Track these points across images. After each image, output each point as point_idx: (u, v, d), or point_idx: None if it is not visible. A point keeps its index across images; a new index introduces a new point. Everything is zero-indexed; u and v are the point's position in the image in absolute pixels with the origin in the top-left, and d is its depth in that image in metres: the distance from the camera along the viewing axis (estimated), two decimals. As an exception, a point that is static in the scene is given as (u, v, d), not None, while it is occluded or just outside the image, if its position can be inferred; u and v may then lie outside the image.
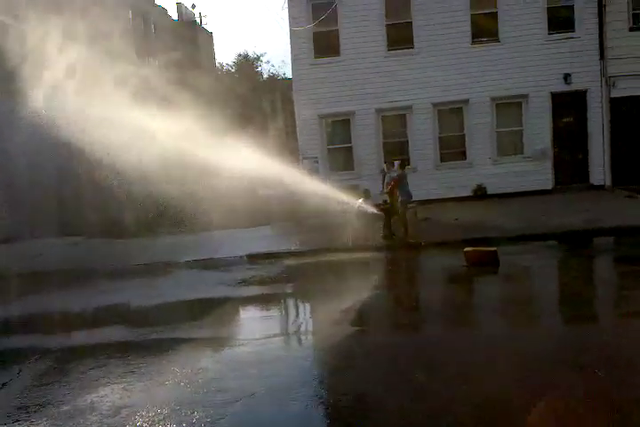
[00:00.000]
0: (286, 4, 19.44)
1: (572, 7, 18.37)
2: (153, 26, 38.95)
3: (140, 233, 18.19)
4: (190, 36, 41.53)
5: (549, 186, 18.32)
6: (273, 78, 41.25)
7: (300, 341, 8.64)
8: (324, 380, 6.82)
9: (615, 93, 17.99)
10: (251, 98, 33.34)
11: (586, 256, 12.58)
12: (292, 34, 19.21)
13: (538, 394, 5.66)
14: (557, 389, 5.86)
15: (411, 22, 18.84)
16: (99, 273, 13.84)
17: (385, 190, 14.65)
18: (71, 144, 17.48)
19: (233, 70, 41.08)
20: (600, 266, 11.84)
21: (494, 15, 18.60)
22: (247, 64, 42.17)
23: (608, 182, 18.24)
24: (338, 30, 19.05)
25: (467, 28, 18.58)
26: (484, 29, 18.64)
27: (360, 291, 10.74)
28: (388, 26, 18.89)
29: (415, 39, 18.76)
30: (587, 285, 10.47)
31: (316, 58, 19.12)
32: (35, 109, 15.25)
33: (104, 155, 16.51)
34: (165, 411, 5.97)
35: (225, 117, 18.88)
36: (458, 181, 17.89)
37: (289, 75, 47.51)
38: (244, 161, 14.59)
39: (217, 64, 42.82)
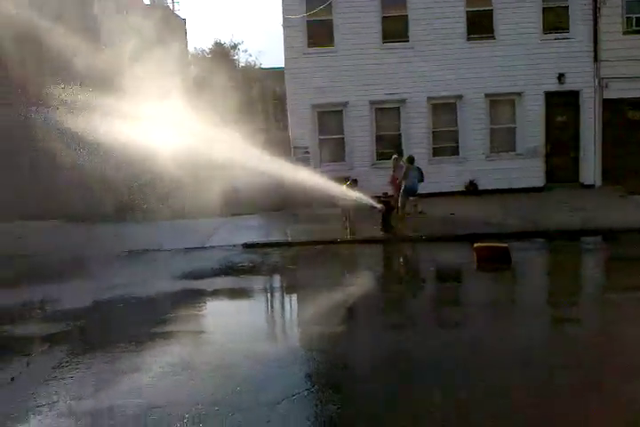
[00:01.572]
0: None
1: (567, 8, 18.43)
2: (125, 10, 37.96)
3: (120, 219, 17.57)
4: (162, 21, 40.56)
5: (541, 184, 18.39)
6: (249, 67, 40.66)
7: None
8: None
9: (608, 95, 18.14)
10: (227, 85, 32.72)
11: (594, 254, 12.66)
12: (286, 22, 18.79)
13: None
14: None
15: (406, 15, 18.61)
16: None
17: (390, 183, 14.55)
18: (47, 127, 16.87)
19: (209, 57, 40.30)
20: (611, 263, 11.84)
21: (490, 12, 18.52)
22: (222, 51, 41.48)
23: (598, 182, 18.41)
24: (332, 20, 18.68)
25: (462, 24, 18.45)
26: (480, 26, 18.56)
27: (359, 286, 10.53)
28: (383, 18, 18.61)
29: (410, 33, 18.55)
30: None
31: (309, 47, 18.73)
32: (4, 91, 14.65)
33: (80, 139, 15.95)
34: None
35: (201, 103, 18.41)
36: (450, 175, 17.78)
37: (265, 64, 46.93)
38: (225, 148, 14.22)
39: (194, 49, 42.08)
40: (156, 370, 6.87)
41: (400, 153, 16.91)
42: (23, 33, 16.18)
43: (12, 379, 6.71)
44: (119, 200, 17.56)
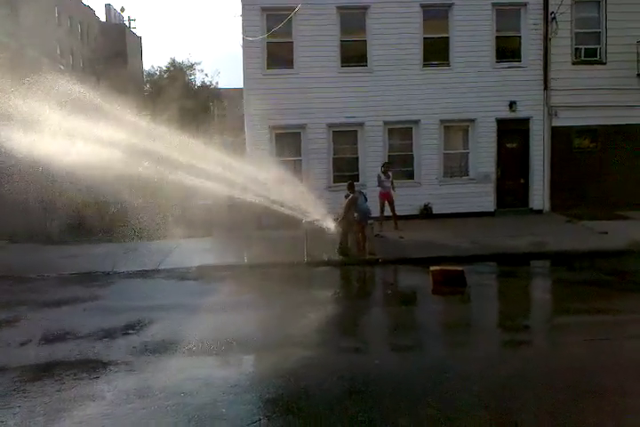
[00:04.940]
0: (240, 13, 19.14)
1: (519, 37, 19.10)
2: (79, 25, 37.54)
3: (70, 240, 17.16)
4: (117, 39, 40.35)
5: (492, 208, 18.85)
6: (205, 87, 40.59)
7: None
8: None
9: (556, 123, 18.80)
10: (182, 104, 32.59)
11: (545, 277, 13.03)
12: (245, 43, 18.87)
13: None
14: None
15: (365, 41, 18.96)
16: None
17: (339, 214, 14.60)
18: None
19: (165, 75, 40.10)
20: (560, 286, 12.12)
21: (446, 40, 19.04)
22: (178, 70, 41.32)
23: (547, 208, 18.98)
24: (292, 42, 18.88)
25: (419, 50, 18.89)
26: (436, 53, 19.03)
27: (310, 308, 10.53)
28: (342, 42, 18.91)
29: (369, 58, 18.89)
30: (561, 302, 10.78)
31: (268, 69, 18.85)
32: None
33: (26, 157, 15.57)
34: None
35: (154, 120, 18.24)
36: (405, 199, 17.96)
37: (222, 85, 46.87)
38: (178, 167, 14.11)
39: (151, 67, 41.81)
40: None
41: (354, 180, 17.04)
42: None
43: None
44: (67, 221, 17.12)
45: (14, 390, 7.09)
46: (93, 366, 7.76)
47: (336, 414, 6.23)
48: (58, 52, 23.43)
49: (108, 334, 9.14)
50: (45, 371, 7.66)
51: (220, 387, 7.01)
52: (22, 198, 16.49)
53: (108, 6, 39.05)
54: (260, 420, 6.18)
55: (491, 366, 7.42)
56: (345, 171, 18.58)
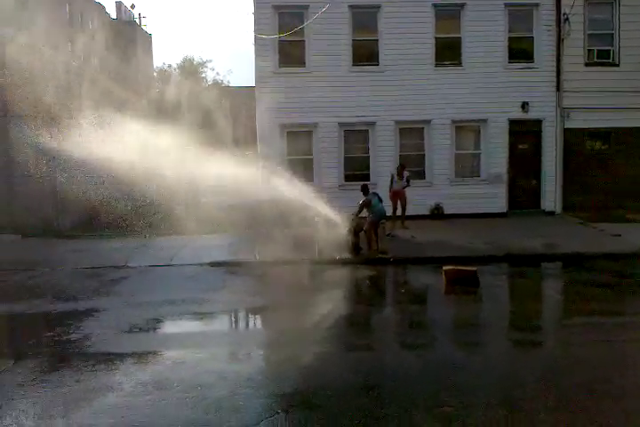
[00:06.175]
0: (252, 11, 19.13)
1: (531, 39, 19.02)
2: (90, 22, 37.60)
3: (82, 235, 17.17)
4: (128, 36, 40.40)
5: (504, 209, 18.74)
6: (216, 85, 40.64)
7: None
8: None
9: (569, 124, 18.70)
10: (194, 102, 32.62)
11: (558, 279, 12.94)
12: (257, 41, 18.84)
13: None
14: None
15: (377, 40, 18.92)
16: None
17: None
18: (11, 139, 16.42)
19: (176, 73, 40.20)
20: (573, 288, 12.01)
21: (458, 40, 18.97)
22: (190, 68, 41.42)
23: (559, 209, 18.87)
24: (304, 41, 18.84)
25: (431, 50, 18.83)
26: (448, 53, 18.97)
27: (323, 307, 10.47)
28: (354, 41, 18.88)
29: (380, 57, 18.83)
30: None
31: (280, 67, 18.82)
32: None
33: (43, 151, 15.60)
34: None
35: (167, 118, 18.24)
36: (416, 199, 17.88)
37: (234, 83, 46.97)
38: (190, 163, 14.09)
39: (163, 64, 41.98)
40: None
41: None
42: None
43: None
44: (82, 215, 17.14)
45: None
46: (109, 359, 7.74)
47: (352, 409, 6.16)
48: (69, 49, 23.41)
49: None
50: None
51: (233, 380, 6.96)
52: (37, 193, 16.53)
53: (118, 3, 39.13)
54: (277, 413, 6.13)
55: (505, 365, 7.38)
56: (356, 170, 18.54)
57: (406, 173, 16.92)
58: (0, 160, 16.93)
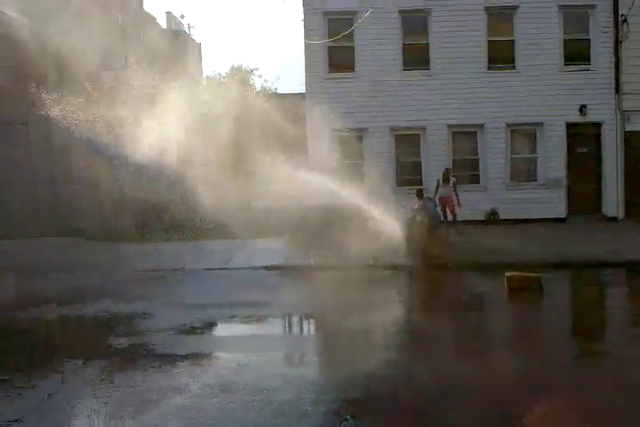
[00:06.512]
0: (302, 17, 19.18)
1: (588, 40, 18.55)
2: (141, 33, 38.38)
3: (139, 238, 17.36)
4: (178, 46, 41.03)
5: (563, 214, 18.27)
6: (265, 92, 40.83)
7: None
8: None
9: (629, 127, 18.17)
10: (246, 109, 32.81)
11: (623, 286, 12.41)
12: (307, 47, 18.86)
13: None
14: None
15: (427, 44, 18.73)
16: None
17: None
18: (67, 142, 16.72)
19: (224, 81, 40.57)
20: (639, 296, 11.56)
21: (511, 43, 18.65)
22: (239, 76, 41.74)
23: (621, 215, 18.28)
24: (353, 47, 18.79)
25: (483, 53, 18.57)
26: (501, 56, 18.68)
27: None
28: (404, 45, 18.75)
29: (431, 61, 18.66)
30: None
31: (330, 72, 18.79)
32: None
33: (102, 155, 15.83)
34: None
35: (220, 125, 18.32)
36: (470, 204, 17.52)
37: (281, 90, 47.28)
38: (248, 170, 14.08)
39: (212, 73, 42.50)
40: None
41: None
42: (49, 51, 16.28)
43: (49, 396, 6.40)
44: (139, 219, 17.32)
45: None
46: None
47: (421, 418, 5.92)
48: (123, 61, 23.89)
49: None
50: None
51: (298, 385, 6.79)
52: (99, 197, 16.81)
53: (168, 14, 39.92)
54: (346, 420, 5.93)
55: (577, 375, 7.02)
56: (408, 175, 18.34)
57: (453, 179, 16.39)
58: (60, 164, 17.31)
